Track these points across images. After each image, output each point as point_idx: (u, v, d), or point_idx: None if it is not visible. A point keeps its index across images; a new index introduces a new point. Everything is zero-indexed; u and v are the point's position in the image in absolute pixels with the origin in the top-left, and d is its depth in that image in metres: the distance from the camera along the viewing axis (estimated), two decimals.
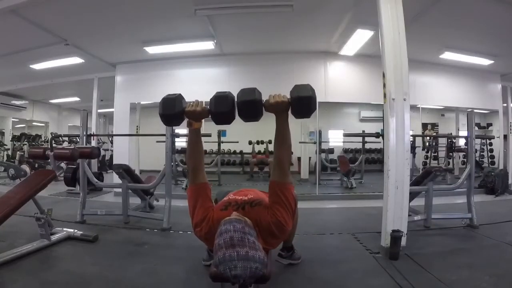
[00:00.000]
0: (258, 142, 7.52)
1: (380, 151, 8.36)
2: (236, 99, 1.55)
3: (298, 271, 2.09)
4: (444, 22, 3.77)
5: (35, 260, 2.20)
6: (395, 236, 2.24)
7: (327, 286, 1.93)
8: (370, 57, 4.88)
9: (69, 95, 8.28)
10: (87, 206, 3.35)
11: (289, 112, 1.57)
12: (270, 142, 7.31)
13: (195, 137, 1.64)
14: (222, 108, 1.53)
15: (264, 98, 1.57)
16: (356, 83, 5.27)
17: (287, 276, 2.01)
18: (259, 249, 1.28)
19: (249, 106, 1.52)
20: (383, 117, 2.55)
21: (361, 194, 5.26)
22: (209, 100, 1.58)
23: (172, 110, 1.56)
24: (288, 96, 1.55)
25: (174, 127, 3.41)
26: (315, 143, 6.00)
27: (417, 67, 4.89)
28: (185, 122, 1.65)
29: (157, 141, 4.81)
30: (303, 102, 1.51)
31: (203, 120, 1.64)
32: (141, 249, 2.51)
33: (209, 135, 4.22)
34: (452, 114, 7.60)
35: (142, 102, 6.05)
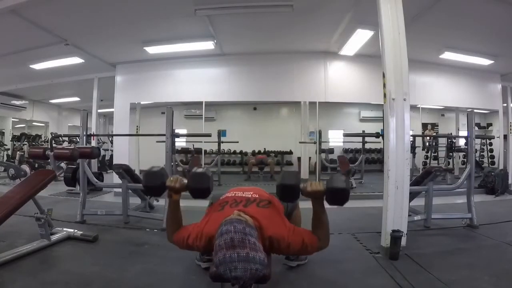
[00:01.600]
0: (259, 152, 7.52)
1: (380, 151, 8.35)
2: (276, 183, 1.65)
3: (298, 270, 2.09)
4: (444, 22, 3.77)
5: (35, 260, 2.20)
6: (395, 236, 2.24)
7: (327, 286, 1.93)
8: (370, 57, 4.88)
9: (69, 95, 8.28)
10: (87, 206, 3.35)
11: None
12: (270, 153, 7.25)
13: (173, 207, 1.73)
14: (199, 185, 1.69)
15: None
16: (356, 83, 5.27)
17: (287, 276, 2.01)
18: (260, 250, 1.28)
19: (289, 189, 1.63)
20: (383, 117, 2.55)
21: (361, 194, 5.24)
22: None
23: (154, 182, 1.72)
24: (324, 185, 1.61)
25: (173, 128, 3.41)
26: (315, 143, 5.99)
27: (417, 67, 4.89)
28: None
29: (157, 141, 4.80)
30: (338, 193, 1.59)
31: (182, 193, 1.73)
32: (141, 249, 2.51)
33: (209, 135, 4.22)
34: (452, 114, 7.61)
35: (142, 102, 6.05)
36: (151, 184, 1.73)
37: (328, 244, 1.65)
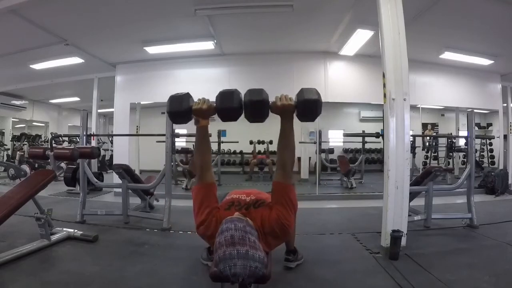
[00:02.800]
0: (259, 142, 7.50)
1: (380, 151, 8.36)
2: (243, 99, 1.55)
3: (298, 271, 2.09)
4: (444, 22, 3.77)
5: (35, 260, 2.20)
6: (395, 236, 2.24)
7: (327, 286, 1.93)
8: (370, 57, 4.88)
9: (69, 95, 8.28)
10: (87, 206, 3.35)
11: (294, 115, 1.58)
12: (271, 142, 7.30)
13: (202, 134, 1.64)
14: (228, 105, 1.53)
15: (270, 99, 1.57)
16: (356, 83, 5.27)
17: (287, 276, 2.01)
18: (259, 249, 1.28)
19: (256, 106, 1.53)
20: (383, 117, 2.55)
21: (361, 194, 5.25)
22: (213, 98, 1.60)
23: (180, 107, 1.57)
24: (295, 99, 1.56)
25: (173, 128, 3.41)
26: (315, 143, 5.99)
27: (417, 67, 4.89)
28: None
29: (157, 141, 4.80)
30: (309, 106, 1.53)
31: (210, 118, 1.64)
32: (141, 249, 2.51)
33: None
34: (452, 114, 7.60)
35: (142, 102, 6.05)
36: (176, 109, 1.57)
37: (293, 163, 1.62)
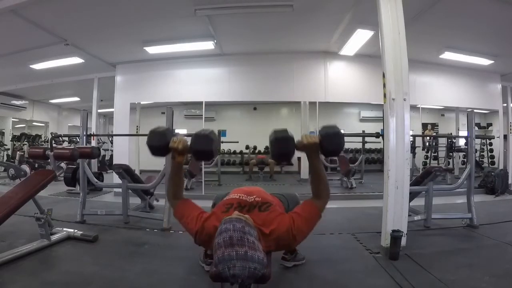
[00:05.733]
0: (255, 148, 7.48)
1: (380, 151, 8.36)
2: (269, 139, 1.61)
3: (298, 271, 2.09)
4: (444, 22, 3.77)
5: (35, 260, 2.20)
6: (395, 236, 2.24)
7: (327, 286, 1.93)
8: (370, 57, 4.88)
9: (69, 95, 8.28)
10: (87, 206, 3.35)
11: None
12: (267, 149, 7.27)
13: (176, 169, 1.73)
14: (202, 147, 1.62)
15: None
16: (356, 83, 5.27)
17: (287, 276, 2.01)
18: (259, 249, 1.27)
19: (283, 146, 1.59)
20: (383, 117, 2.55)
21: (361, 194, 5.25)
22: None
23: (158, 142, 1.66)
24: (318, 137, 1.61)
25: (173, 128, 3.41)
26: None
27: (417, 67, 4.89)
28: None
29: None
30: (332, 141, 1.59)
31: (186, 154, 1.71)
32: (141, 249, 2.51)
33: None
34: (452, 114, 7.60)
35: (142, 102, 6.05)
36: (155, 143, 1.66)
37: (329, 195, 1.70)
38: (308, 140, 1.60)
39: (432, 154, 7.66)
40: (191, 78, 5.27)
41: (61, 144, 7.12)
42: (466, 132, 3.41)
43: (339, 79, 5.21)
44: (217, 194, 2.12)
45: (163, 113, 3.30)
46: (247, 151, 7.48)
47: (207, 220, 1.56)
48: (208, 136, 1.62)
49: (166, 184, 1.79)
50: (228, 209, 1.59)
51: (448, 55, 4.90)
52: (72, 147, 3.67)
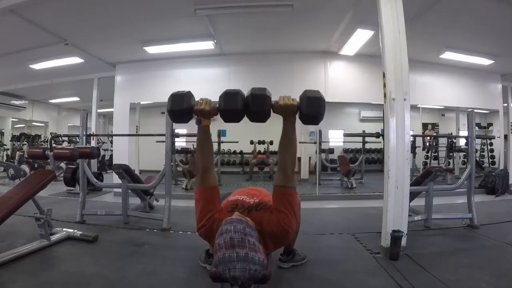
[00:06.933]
0: (260, 142, 7.50)
1: (380, 151, 8.37)
2: (245, 96, 1.53)
3: (298, 271, 2.09)
4: (445, 21, 3.77)
5: (35, 260, 2.20)
6: (395, 236, 2.24)
7: (327, 286, 1.93)
8: (370, 57, 4.88)
9: (68, 95, 8.28)
10: (87, 206, 3.35)
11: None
12: (271, 143, 7.30)
13: (204, 135, 1.61)
14: (232, 106, 1.51)
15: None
16: (356, 83, 5.27)
17: (287, 276, 2.01)
18: (259, 250, 1.27)
19: (258, 104, 1.50)
20: (383, 117, 2.55)
21: (361, 194, 5.25)
22: (214, 98, 1.58)
23: (181, 106, 1.54)
24: (298, 100, 1.54)
25: (173, 128, 3.41)
26: (315, 143, 6.00)
27: (417, 67, 4.89)
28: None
29: (157, 141, 4.80)
30: (312, 105, 1.49)
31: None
32: (141, 249, 2.51)
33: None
34: (453, 114, 7.61)
35: (142, 102, 6.05)
36: (177, 108, 1.53)
37: (295, 164, 1.60)
38: (286, 101, 1.52)
39: (433, 154, 7.67)
40: (191, 78, 5.27)
41: (60, 144, 7.13)
42: (467, 132, 3.41)
43: (339, 79, 5.22)
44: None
45: (162, 113, 3.31)
46: (252, 146, 7.47)
47: (214, 218, 1.53)
48: (237, 94, 1.51)
49: (196, 155, 1.63)
50: (233, 209, 1.59)
51: (449, 55, 4.90)
52: (71, 147, 3.68)
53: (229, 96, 1.52)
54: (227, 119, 1.57)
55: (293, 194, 1.56)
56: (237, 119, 1.56)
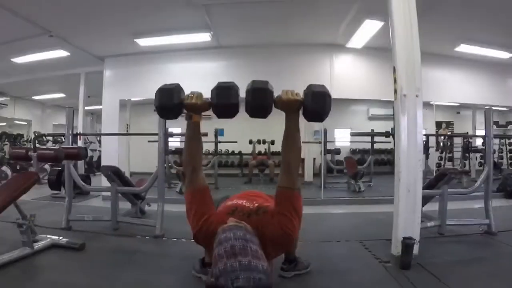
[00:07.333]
0: (259, 142, 7.50)
1: (391, 152, 8.36)
2: (241, 93, 1.54)
3: (302, 281, 2.09)
4: (460, 12, 3.77)
5: (17, 270, 2.20)
6: (407, 243, 2.24)
7: None
8: (380, 50, 4.87)
9: (53, 91, 8.30)
10: (73, 211, 3.35)
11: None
12: (272, 142, 7.31)
13: (194, 131, 1.62)
14: (225, 100, 1.51)
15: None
16: (364, 78, 5.28)
17: (290, 287, 2.01)
18: (262, 258, 1.27)
19: (259, 98, 1.50)
20: (393, 115, 2.55)
21: (370, 198, 5.25)
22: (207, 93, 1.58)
23: (170, 101, 1.54)
24: (302, 95, 1.54)
25: (167, 127, 3.41)
26: (320, 143, 6.00)
27: (430, 60, 4.88)
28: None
29: (148, 141, 4.82)
30: (317, 100, 1.50)
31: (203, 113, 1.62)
32: (132, 257, 2.51)
33: (205, 135, 4.23)
34: (469, 111, 7.62)
35: (132, 99, 6.07)
36: (166, 103, 1.54)
37: (299, 165, 1.61)
38: (289, 96, 1.51)
39: (447, 155, 7.67)
40: (185, 72, 5.28)
41: (45, 144, 7.14)
42: (484, 131, 3.40)
43: (345, 74, 5.22)
44: (215, 198, 2.12)
45: (155, 110, 3.30)
46: (251, 146, 7.49)
47: (211, 220, 1.54)
48: (231, 88, 1.53)
49: (183, 153, 1.65)
50: (233, 212, 1.59)
51: (464, 48, 4.91)
52: (57, 147, 3.68)
53: (222, 89, 1.53)
54: (220, 115, 1.57)
55: (297, 196, 1.56)
56: (231, 115, 1.56)
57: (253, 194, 1.83)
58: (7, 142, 8.04)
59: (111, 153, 5.40)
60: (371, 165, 6.58)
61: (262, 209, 1.62)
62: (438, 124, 7.66)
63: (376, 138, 6.89)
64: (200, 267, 2.09)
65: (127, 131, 5.89)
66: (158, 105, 1.57)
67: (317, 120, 1.57)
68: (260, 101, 1.51)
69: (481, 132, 5.17)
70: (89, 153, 8.23)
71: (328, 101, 1.52)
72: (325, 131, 6.03)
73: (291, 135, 1.57)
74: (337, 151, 7.74)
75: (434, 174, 4.44)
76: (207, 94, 1.61)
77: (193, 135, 1.63)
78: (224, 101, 1.52)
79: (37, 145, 4.27)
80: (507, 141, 7.88)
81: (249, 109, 1.55)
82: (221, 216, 1.56)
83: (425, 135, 5.97)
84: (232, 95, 1.52)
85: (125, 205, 3.74)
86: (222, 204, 1.74)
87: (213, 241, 1.40)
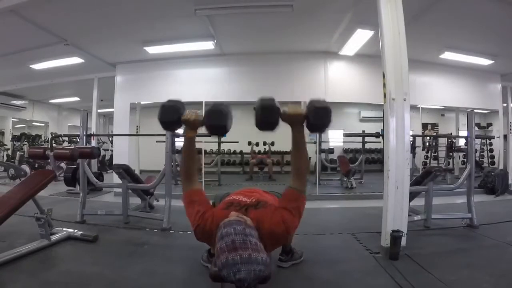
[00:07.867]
0: (258, 144, 7.49)
1: (380, 151, 8.36)
2: (230, 112, 1.62)
3: (297, 271, 2.09)
4: (444, 22, 3.77)
5: (35, 260, 2.20)
6: (395, 236, 2.24)
7: (326, 286, 1.93)
8: (370, 57, 4.87)
9: (69, 95, 8.28)
10: (87, 206, 3.35)
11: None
12: (272, 144, 7.29)
13: (188, 144, 1.70)
14: (215, 122, 1.62)
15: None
16: (356, 83, 5.27)
17: (287, 276, 2.01)
18: (262, 250, 1.28)
19: (267, 114, 1.57)
20: (383, 117, 2.55)
21: (361, 194, 5.25)
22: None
23: (169, 117, 1.65)
24: (305, 109, 1.59)
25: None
26: (315, 143, 5.99)
27: (417, 67, 4.88)
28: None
29: (157, 141, 4.80)
30: (319, 114, 1.55)
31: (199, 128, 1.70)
32: (141, 249, 2.51)
33: (208, 135, 4.21)
34: (452, 114, 7.60)
35: (142, 102, 6.06)
36: (167, 118, 1.66)
37: (308, 171, 1.68)
38: (294, 110, 1.57)
39: (432, 154, 7.66)
40: (191, 78, 5.27)
41: (61, 144, 7.13)
42: (466, 132, 3.41)
43: (339, 79, 5.21)
44: (216, 194, 2.12)
45: None
46: (249, 147, 7.49)
47: (207, 216, 1.56)
48: (222, 111, 1.62)
49: (180, 162, 1.78)
50: (228, 207, 1.60)
51: (448, 55, 4.90)
52: (72, 147, 3.68)
53: (213, 112, 1.63)
54: (211, 132, 1.70)
55: (303, 198, 1.61)
56: (220, 133, 1.70)
57: (250, 190, 1.85)
58: (26, 142, 8.05)
59: (122, 152, 5.39)
60: (362, 164, 6.56)
61: (262, 203, 1.63)
62: (424, 126, 7.64)
63: (367, 139, 6.89)
64: (208, 257, 2.10)
65: (137, 132, 5.88)
66: (159, 119, 1.68)
67: (320, 132, 1.66)
68: (268, 118, 1.59)
69: (463, 133, 5.17)
70: (102, 152, 8.23)
71: (330, 115, 1.57)
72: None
73: (299, 147, 1.64)
74: (331, 151, 7.74)
75: (421, 172, 4.43)
76: (208, 97, 1.65)
77: (187, 149, 1.71)
78: (214, 122, 1.63)
79: (54, 145, 4.27)
80: (488, 141, 7.87)
81: (258, 125, 1.62)
82: (217, 212, 1.58)
83: (412, 135, 5.98)
84: (222, 118, 1.61)
85: (135, 200, 3.75)
86: (222, 201, 1.75)
87: (211, 238, 1.42)
